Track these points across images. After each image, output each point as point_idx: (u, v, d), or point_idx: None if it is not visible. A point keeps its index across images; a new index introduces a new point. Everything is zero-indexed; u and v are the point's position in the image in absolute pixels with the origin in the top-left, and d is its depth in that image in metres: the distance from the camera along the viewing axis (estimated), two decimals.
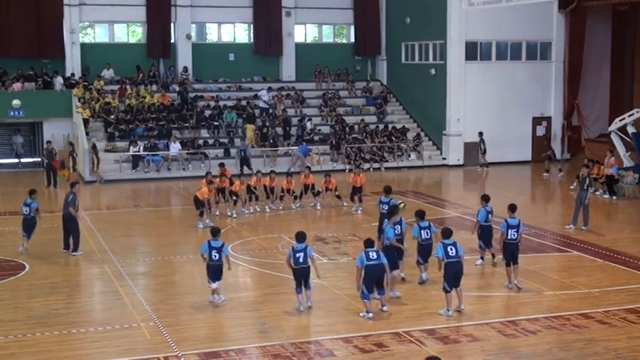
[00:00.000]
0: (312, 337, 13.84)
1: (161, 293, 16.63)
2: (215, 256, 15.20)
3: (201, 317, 14.82)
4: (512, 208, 16.68)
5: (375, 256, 14.66)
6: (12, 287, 16.97)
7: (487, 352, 12.97)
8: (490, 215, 18.41)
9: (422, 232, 16.68)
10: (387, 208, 18.55)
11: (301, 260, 14.86)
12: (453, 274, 14.80)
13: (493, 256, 18.18)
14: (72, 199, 19.70)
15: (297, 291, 15.00)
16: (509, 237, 16.24)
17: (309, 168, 27.16)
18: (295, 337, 13.69)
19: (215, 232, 15.62)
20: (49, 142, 32.82)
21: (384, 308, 14.89)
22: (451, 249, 14.84)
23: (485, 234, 18.32)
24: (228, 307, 15.45)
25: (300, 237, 15.10)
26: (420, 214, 16.95)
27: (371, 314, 14.58)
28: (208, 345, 13.28)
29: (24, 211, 20.50)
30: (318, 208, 25.71)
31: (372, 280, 14.59)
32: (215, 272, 15.28)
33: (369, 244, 14.87)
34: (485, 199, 18.69)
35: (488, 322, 14.48)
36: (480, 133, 35.98)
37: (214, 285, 15.28)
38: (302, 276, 14.94)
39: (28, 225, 20.42)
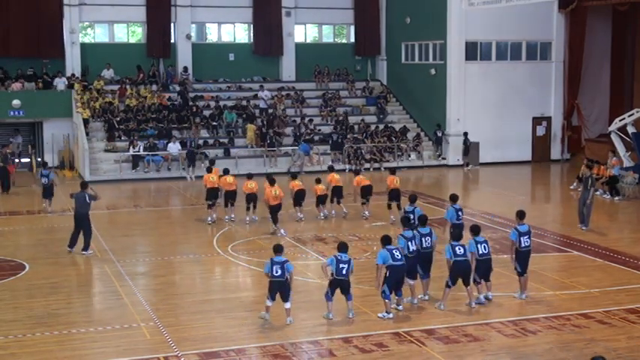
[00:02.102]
0: (312, 337, 13.83)
1: (161, 293, 16.63)
2: (277, 271, 14.14)
3: (201, 317, 14.81)
4: (521, 215, 16.08)
5: (400, 256, 14.59)
6: (12, 287, 16.97)
7: (487, 352, 12.97)
8: (460, 213, 18.38)
9: (479, 246, 15.34)
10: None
11: (344, 272, 14.32)
12: (459, 273, 14.94)
13: None
14: (90, 196, 19.79)
15: (327, 297, 14.45)
16: (522, 245, 15.70)
17: (331, 167, 25.93)
18: (295, 337, 13.69)
19: (278, 249, 14.56)
20: (4, 145, 32.64)
21: (400, 307, 14.92)
22: (459, 248, 14.91)
23: (456, 231, 17.96)
24: (228, 307, 15.46)
25: (343, 247, 14.60)
26: (476, 230, 15.69)
27: (391, 315, 14.55)
28: (208, 345, 13.27)
29: (42, 182, 25.35)
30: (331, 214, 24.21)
31: (395, 280, 14.56)
32: (279, 289, 14.17)
33: (387, 241, 14.74)
34: (453, 198, 18.66)
35: (488, 322, 14.48)
36: (466, 134, 36.32)
37: (270, 303, 14.27)
38: (338, 286, 14.43)
39: (47, 192, 25.28)
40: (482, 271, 15.39)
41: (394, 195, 23.24)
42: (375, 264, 14.79)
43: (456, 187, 33.04)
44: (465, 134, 36.35)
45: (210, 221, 23.29)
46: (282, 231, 21.79)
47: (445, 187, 32.87)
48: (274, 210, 21.82)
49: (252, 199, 23.13)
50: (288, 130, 37.04)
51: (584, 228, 22.44)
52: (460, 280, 15.02)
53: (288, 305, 14.32)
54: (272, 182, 22.06)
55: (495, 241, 20.89)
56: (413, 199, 19.13)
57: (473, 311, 15.08)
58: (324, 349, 13.21)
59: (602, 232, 22.43)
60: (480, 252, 15.26)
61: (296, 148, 35.26)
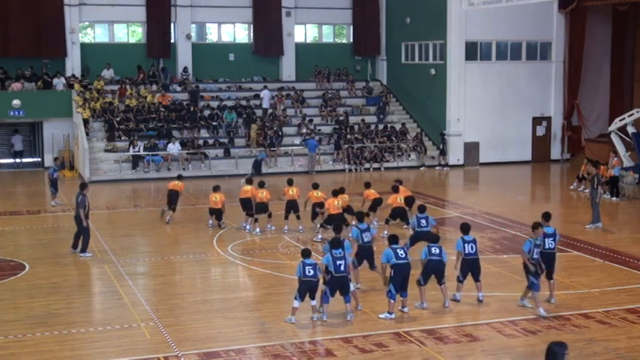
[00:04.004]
0: (312, 337, 13.84)
1: (161, 293, 16.64)
2: (309, 271, 14.12)
3: (201, 317, 14.81)
4: (547, 216, 16.03)
5: (404, 255, 14.63)
6: (12, 287, 16.97)
7: (487, 352, 12.98)
8: (424, 221, 18.37)
9: (466, 245, 15.41)
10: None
11: (342, 269, 14.35)
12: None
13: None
14: (81, 200, 19.58)
15: (324, 299, 14.43)
16: (546, 246, 15.60)
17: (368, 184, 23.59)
18: (295, 337, 13.69)
19: (307, 253, 14.46)
20: None
21: (405, 309, 14.90)
22: (435, 249, 15.10)
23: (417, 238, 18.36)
24: (228, 307, 15.46)
25: (336, 242, 14.65)
26: (465, 228, 15.76)
27: (393, 315, 14.55)
28: (208, 345, 13.27)
29: (54, 176, 26.80)
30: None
31: (401, 278, 14.58)
32: (310, 288, 14.22)
33: (394, 240, 14.82)
34: (422, 208, 18.77)
35: (488, 322, 14.48)
36: (442, 134, 36.58)
37: (297, 304, 14.21)
38: (339, 285, 14.43)
39: (54, 185, 26.85)
40: (469, 271, 15.46)
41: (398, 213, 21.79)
42: (381, 262, 14.91)
43: (456, 187, 33.08)
44: (442, 134, 36.67)
45: (210, 224, 23.14)
46: (319, 236, 21.22)
47: (445, 187, 32.88)
48: (334, 218, 20.36)
49: (292, 206, 22.11)
50: (292, 130, 37.06)
51: (587, 226, 22.53)
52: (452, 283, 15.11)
53: (314, 302, 14.39)
54: (334, 193, 21.46)
55: (495, 242, 20.93)
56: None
57: (447, 310, 15.10)
58: (324, 349, 13.21)
59: (602, 232, 22.44)
60: (467, 251, 15.34)
61: (302, 146, 35.37)
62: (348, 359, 12.76)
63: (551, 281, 15.65)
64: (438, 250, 15.10)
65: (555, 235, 15.78)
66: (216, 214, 22.91)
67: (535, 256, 14.99)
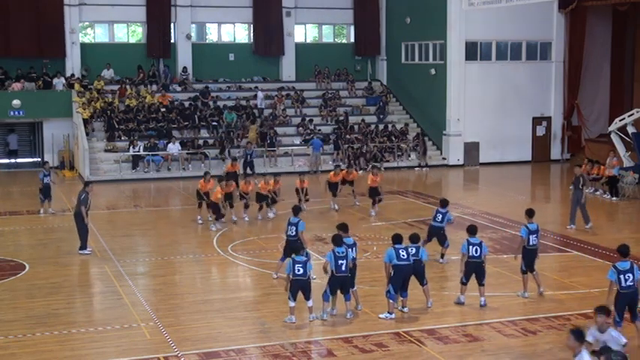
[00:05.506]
0: (312, 337, 13.84)
1: (161, 293, 16.64)
2: (299, 270, 14.02)
3: (201, 317, 14.81)
4: (530, 213, 16.10)
5: (406, 255, 14.55)
6: (12, 287, 16.97)
7: (487, 352, 12.98)
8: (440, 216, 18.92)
9: (470, 248, 15.30)
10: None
11: (344, 269, 14.26)
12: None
13: None
14: (84, 197, 19.64)
15: (325, 297, 14.45)
16: (530, 243, 15.71)
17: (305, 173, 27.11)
18: (295, 337, 13.69)
19: (298, 249, 14.54)
20: None
21: (405, 309, 14.87)
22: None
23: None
24: (228, 307, 15.47)
25: (338, 240, 14.55)
26: (472, 230, 15.57)
27: (393, 315, 14.52)
28: (208, 345, 13.28)
29: (45, 181, 24.81)
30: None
31: (401, 279, 14.53)
32: (301, 287, 14.14)
33: (397, 240, 14.69)
34: (444, 202, 19.20)
35: (488, 322, 14.48)
36: (423, 134, 37.10)
37: (292, 304, 14.19)
38: (339, 284, 14.42)
39: (46, 191, 24.96)
40: (473, 272, 15.34)
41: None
42: (383, 262, 14.86)
43: (457, 187, 33.10)
44: (424, 134, 37.04)
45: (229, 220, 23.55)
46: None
47: (445, 187, 32.89)
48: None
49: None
50: (292, 130, 37.07)
51: (587, 227, 22.41)
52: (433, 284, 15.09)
53: (310, 303, 14.32)
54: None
55: (495, 242, 20.92)
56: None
57: (467, 312, 15.08)
58: (324, 349, 13.22)
59: (602, 232, 22.42)
60: (471, 254, 15.24)
61: (305, 147, 35.48)
62: (348, 359, 12.77)
63: (534, 273, 15.88)
64: (414, 250, 14.88)
65: (538, 231, 15.96)
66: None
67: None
